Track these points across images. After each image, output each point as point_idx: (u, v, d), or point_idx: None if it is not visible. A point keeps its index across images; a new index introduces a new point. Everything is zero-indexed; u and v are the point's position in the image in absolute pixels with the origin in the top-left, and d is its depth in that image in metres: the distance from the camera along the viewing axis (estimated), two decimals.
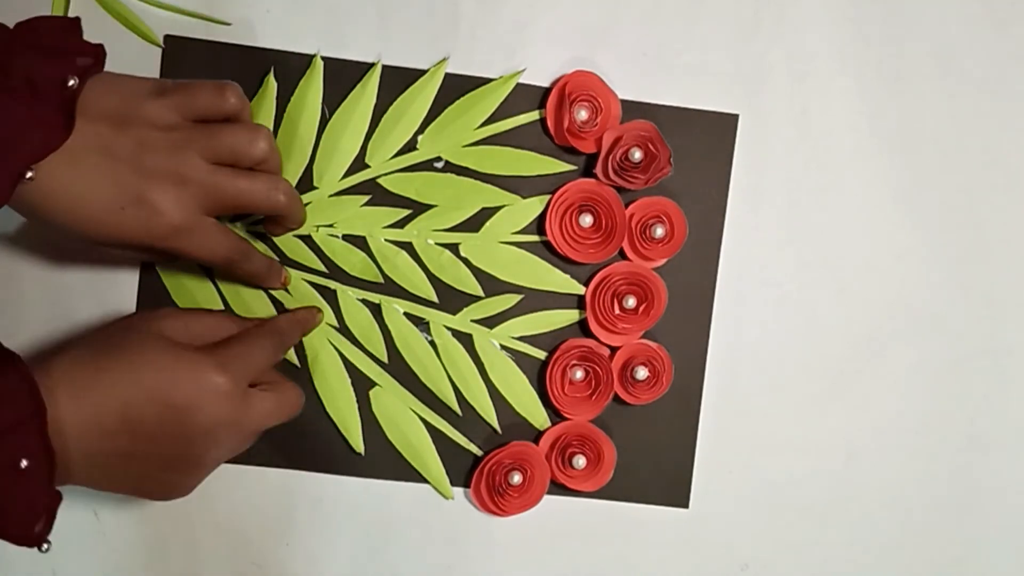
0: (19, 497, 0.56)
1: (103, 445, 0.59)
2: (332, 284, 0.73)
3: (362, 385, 0.74)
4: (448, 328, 0.74)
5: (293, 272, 0.73)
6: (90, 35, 0.61)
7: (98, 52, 0.61)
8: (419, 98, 0.73)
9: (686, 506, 0.76)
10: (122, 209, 0.60)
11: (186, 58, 0.72)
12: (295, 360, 0.73)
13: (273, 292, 0.73)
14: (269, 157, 0.65)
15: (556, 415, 0.75)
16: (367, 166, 0.73)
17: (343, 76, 0.73)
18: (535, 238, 0.74)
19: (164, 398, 0.59)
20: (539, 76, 0.74)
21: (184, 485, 0.64)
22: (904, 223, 0.76)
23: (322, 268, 0.73)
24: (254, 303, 0.73)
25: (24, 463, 0.55)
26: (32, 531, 0.57)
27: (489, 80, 0.73)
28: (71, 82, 0.59)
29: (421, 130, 0.73)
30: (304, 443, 0.74)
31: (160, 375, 0.59)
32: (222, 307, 0.73)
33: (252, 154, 0.64)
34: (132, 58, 0.71)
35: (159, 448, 0.60)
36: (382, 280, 0.73)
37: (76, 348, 0.61)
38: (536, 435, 0.75)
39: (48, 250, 0.72)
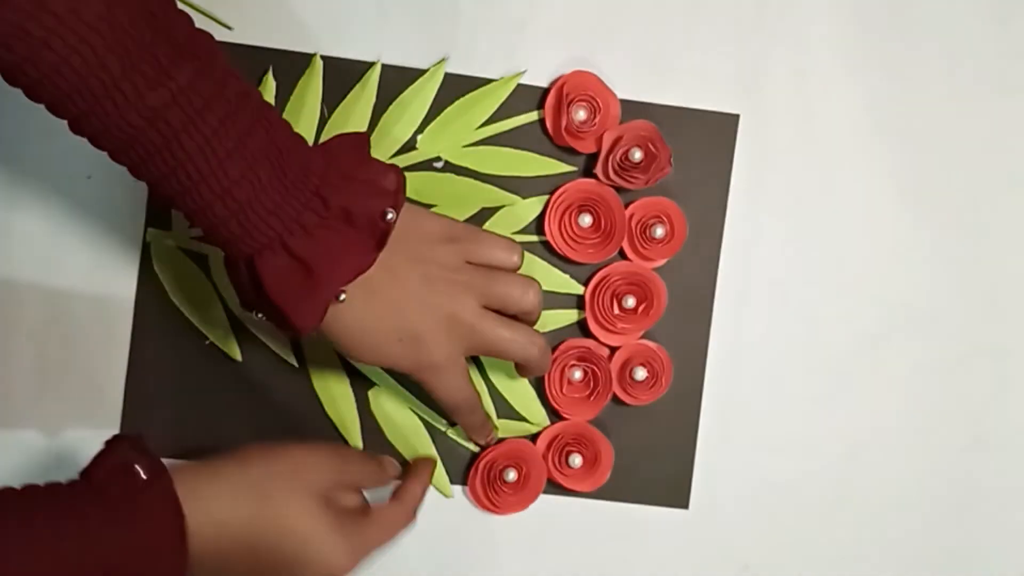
0: None
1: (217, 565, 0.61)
2: None
3: (361, 385, 0.74)
4: None
5: None
6: None
7: (399, 178, 0.63)
8: (418, 98, 0.73)
9: (686, 507, 0.75)
10: (399, 341, 0.64)
11: None
12: (293, 361, 0.73)
13: None
14: (535, 310, 0.67)
15: (554, 415, 0.74)
16: None
17: (342, 75, 0.73)
18: (534, 238, 0.74)
19: (289, 560, 0.62)
20: (539, 76, 0.74)
21: None
22: (905, 222, 0.76)
23: None
24: None
25: None
26: None
27: (489, 80, 0.73)
28: (390, 216, 0.62)
29: (420, 130, 0.73)
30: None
31: (294, 544, 0.62)
32: (221, 306, 0.73)
33: (522, 306, 0.67)
34: None
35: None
36: None
37: (215, 484, 0.62)
38: (533, 434, 0.75)
39: (48, 250, 0.73)
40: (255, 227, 0.59)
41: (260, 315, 0.64)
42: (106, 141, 0.57)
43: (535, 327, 0.69)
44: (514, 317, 0.67)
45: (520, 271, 0.68)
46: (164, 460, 0.59)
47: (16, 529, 0.54)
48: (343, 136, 0.65)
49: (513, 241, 0.68)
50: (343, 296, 0.61)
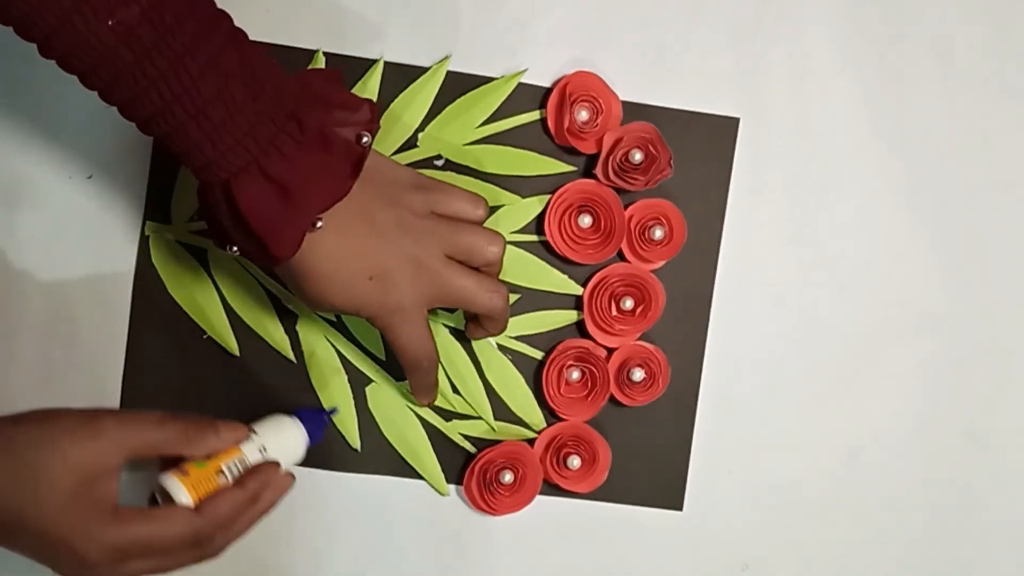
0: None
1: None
2: None
3: (358, 382, 0.74)
4: (445, 326, 0.74)
5: None
6: None
7: (373, 108, 0.63)
8: (420, 95, 0.73)
9: (680, 508, 0.76)
10: (369, 279, 0.63)
11: None
12: (291, 356, 0.73)
13: (277, 293, 0.73)
14: (498, 262, 0.67)
15: (552, 415, 0.75)
16: None
17: (345, 72, 0.71)
18: (534, 238, 0.74)
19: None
20: (540, 76, 0.73)
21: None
22: (904, 223, 0.76)
23: None
24: (251, 298, 0.73)
25: None
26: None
27: (490, 79, 0.73)
28: (365, 139, 0.62)
29: (422, 127, 0.73)
30: None
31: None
32: (219, 301, 0.73)
33: (487, 256, 0.67)
34: None
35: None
36: None
37: None
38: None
39: (48, 250, 0.73)
40: (230, 149, 0.58)
41: (235, 249, 0.63)
42: (77, 61, 0.56)
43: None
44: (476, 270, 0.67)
45: (518, 267, 0.67)
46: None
47: None
48: (317, 69, 0.65)
49: (478, 195, 0.68)
50: (319, 223, 0.61)
